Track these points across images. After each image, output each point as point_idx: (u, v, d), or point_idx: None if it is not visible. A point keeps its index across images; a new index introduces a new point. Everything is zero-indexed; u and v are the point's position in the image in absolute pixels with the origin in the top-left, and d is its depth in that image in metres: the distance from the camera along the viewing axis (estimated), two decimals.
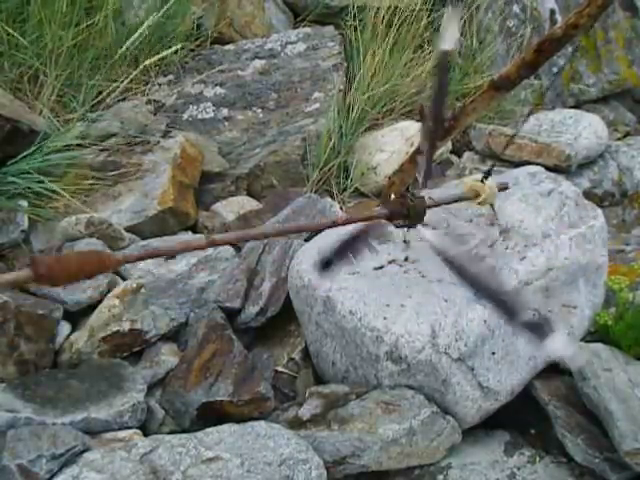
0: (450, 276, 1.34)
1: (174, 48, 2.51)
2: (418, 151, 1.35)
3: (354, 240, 1.27)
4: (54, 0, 2.30)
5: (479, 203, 1.60)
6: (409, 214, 1.36)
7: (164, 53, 2.48)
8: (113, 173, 2.16)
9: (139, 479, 1.37)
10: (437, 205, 1.50)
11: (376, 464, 1.52)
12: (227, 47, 2.93)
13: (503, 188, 1.72)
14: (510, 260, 1.69)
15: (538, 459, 1.65)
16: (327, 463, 1.49)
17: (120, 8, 2.47)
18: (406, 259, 1.75)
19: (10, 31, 2.23)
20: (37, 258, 0.92)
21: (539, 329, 1.06)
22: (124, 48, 2.36)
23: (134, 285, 1.76)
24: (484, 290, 1.16)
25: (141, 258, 1.23)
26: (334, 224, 1.29)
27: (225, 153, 2.51)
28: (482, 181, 1.56)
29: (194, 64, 2.84)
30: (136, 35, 2.36)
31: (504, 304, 1.12)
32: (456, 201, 1.59)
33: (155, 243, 2.00)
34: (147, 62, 2.45)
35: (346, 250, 1.27)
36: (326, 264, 1.27)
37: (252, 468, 1.41)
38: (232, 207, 2.30)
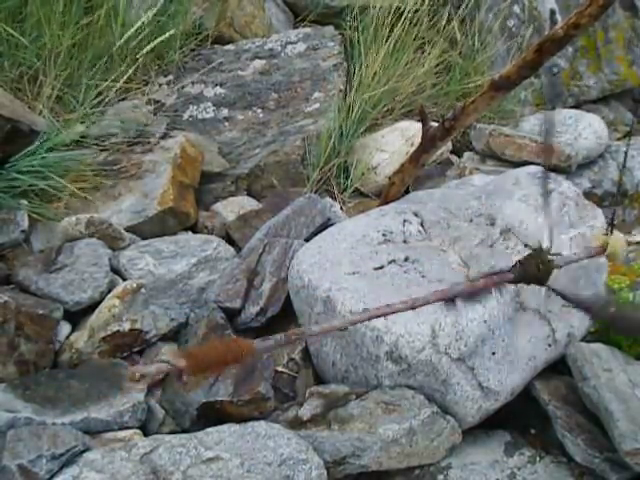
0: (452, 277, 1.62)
1: (168, 34, 2.50)
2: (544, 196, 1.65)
3: (480, 291, 1.62)
4: None
5: (607, 256, 1.72)
6: (539, 278, 1.56)
7: (159, 40, 2.47)
8: (113, 173, 2.16)
9: (139, 479, 1.37)
10: (566, 264, 1.69)
11: (376, 464, 1.52)
12: (227, 47, 2.92)
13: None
14: (510, 260, 1.69)
15: (538, 459, 1.65)
16: (327, 463, 1.49)
17: (118, 7, 2.46)
18: (406, 259, 1.74)
19: (10, 30, 2.22)
20: (180, 354, 1.14)
21: None
22: (122, 40, 2.36)
23: (134, 285, 1.76)
24: (605, 315, 1.65)
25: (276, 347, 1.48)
26: (462, 293, 1.59)
27: (225, 153, 2.50)
28: (607, 233, 1.76)
29: (194, 64, 2.84)
30: (133, 30, 2.35)
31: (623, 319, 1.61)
32: (586, 258, 1.74)
33: (156, 244, 2.00)
34: (144, 51, 2.44)
35: (473, 295, 1.61)
36: (452, 301, 1.59)
37: (252, 468, 1.41)
38: (232, 207, 2.29)
